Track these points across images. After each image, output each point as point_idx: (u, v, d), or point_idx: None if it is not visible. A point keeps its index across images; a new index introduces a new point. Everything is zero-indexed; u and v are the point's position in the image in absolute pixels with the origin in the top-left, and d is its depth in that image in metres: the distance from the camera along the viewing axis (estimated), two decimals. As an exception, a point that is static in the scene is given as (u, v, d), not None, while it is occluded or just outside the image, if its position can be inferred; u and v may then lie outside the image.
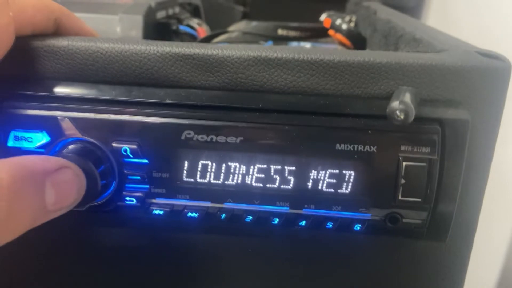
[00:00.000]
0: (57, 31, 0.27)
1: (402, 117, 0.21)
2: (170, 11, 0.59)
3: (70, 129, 0.24)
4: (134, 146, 0.24)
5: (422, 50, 0.28)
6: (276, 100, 0.25)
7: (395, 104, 0.21)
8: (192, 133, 0.24)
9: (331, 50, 0.25)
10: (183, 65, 0.25)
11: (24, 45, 0.25)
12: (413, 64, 0.24)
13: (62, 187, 0.21)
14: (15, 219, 0.19)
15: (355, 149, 0.24)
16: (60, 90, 0.25)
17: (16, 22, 0.24)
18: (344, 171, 0.24)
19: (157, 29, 0.52)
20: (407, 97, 0.21)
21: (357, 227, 0.25)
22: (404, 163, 0.24)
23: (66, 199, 0.21)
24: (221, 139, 0.24)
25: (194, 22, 0.60)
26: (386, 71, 0.24)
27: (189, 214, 0.25)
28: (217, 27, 0.73)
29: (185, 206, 0.25)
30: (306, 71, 0.24)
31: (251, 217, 0.25)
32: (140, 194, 0.25)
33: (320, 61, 0.24)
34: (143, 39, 0.26)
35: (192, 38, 0.58)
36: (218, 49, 0.25)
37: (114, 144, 0.24)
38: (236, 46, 0.25)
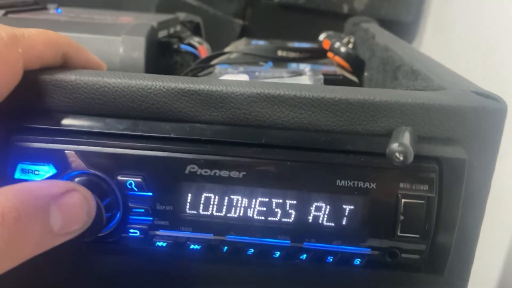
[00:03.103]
0: (65, 64, 0.28)
1: (401, 158, 0.21)
2: (172, 30, 0.60)
3: (76, 162, 0.25)
4: (139, 180, 0.25)
5: (420, 85, 0.29)
6: (278, 136, 0.25)
7: (394, 145, 0.21)
8: (196, 167, 0.25)
9: (332, 88, 0.26)
10: (188, 100, 0.25)
11: (33, 79, 0.25)
12: (411, 103, 0.24)
13: (69, 210, 0.21)
14: (17, 245, 0.19)
15: (355, 185, 0.25)
16: (67, 123, 0.26)
17: (24, 57, 0.25)
18: (344, 206, 0.25)
19: (159, 48, 0.53)
20: (406, 138, 0.22)
21: (357, 261, 0.25)
22: (403, 200, 0.24)
23: (74, 222, 0.22)
24: (224, 173, 0.25)
25: (195, 40, 0.61)
26: (385, 109, 0.25)
27: (192, 246, 0.26)
28: (216, 41, 0.74)
29: (188, 238, 0.26)
30: (307, 108, 0.25)
31: (252, 250, 0.26)
32: (144, 226, 0.26)
33: (322, 98, 0.25)
34: (154, 75, 0.26)
35: (193, 56, 0.59)
36: (222, 85, 0.25)
37: (120, 178, 0.25)
38: (240, 82, 0.26)
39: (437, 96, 0.25)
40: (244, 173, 0.25)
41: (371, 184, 0.24)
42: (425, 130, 0.25)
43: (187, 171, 0.25)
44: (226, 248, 0.26)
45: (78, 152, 0.25)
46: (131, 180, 0.25)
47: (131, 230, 0.26)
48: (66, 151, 0.25)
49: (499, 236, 0.64)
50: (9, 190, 0.19)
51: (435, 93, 0.25)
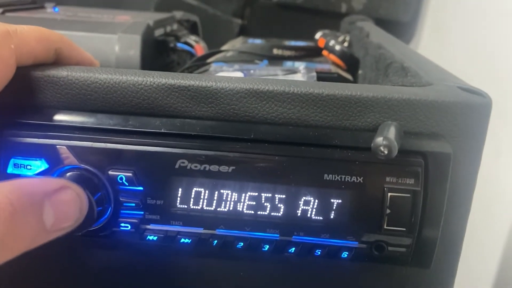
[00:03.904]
0: (58, 61, 0.28)
1: (385, 152, 0.22)
2: (168, 28, 0.60)
3: (68, 157, 0.25)
4: (129, 174, 0.25)
5: (408, 81, 0.29)
6: (267, 131, 0.26)
7: (379, 140, 0.22)
8: (186, 162, 0.25)
9: (321, 84, 0.26)
10: (178, 96, 0.26)
11: (25, 75, 0.26)
12: (398, 99, 0.25)
13: (62, 207, 0.22)
14: (11, 240, 0.19)
15: (343, 179, 0.25)
16: (58, 118, 0.26)
17: (17, 53, 0.25)
18: (332, 200, 0.25)
19: (155, 47, 0.53)
20: (391, 133, 0.22)
21: (345, 254, 0.26)
22: (389, 194, 0.25)
23: (67, 219, 0.22)
24: (214, 168, 0.25)
25: (192, 39, 0.61)
26: (372, 104, 0.25)
27: (182, 240, 0.26)
28: (215, 40, 0.74)
29: (178, 232, 0.26)
30: (296, 104, 0.25)
31: (242, 244, 0.26)
32: (135, 220, 0.26)
33: (310, 94, 0.25)
34: (144, 71, 0.27)
35: (190, 55, 0.59)
36: (212, 81, 0.26)
37: (111, 172, 0.25)
38: (230, 78, 0.26)
39: (423, 91, 0.25)
40: (234, 167, 0.25)
41: (358, 178, 0.25)
42: (411, 125, 0.25)
43: (177, 166, 0.25)
44: (216, 241, 0.26)
45: (69, 147, 0.25)
46: (122, 175, 0.25)
47: (122, 224, 0.26)
48: (57, 146, 0.25)
49: (497, 233, 0.64)
50: (5, 186, 0.20)
51: (421, 89, 0.26)
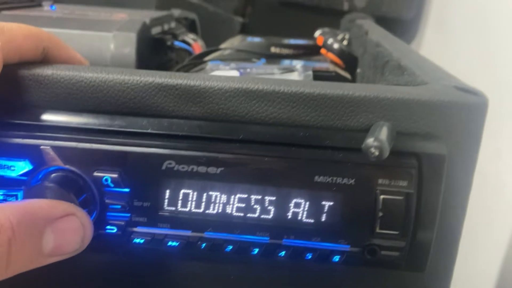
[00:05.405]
0: (46, 60, 0.28)
1: (376, 153, 0.21)
2: (166, 26, 0.59)
3: (52, 158, 0.25)
4: (115, 176, 0.25)
5: (404, 80, 0.29)
6: (257, 131, 0.25)
7: (370, 141, 0.21)
8: (173, 163, 0.25)
9: (312, 83, 0.25)
10: (165, 95, 0.25)
11: (10, 73, 0.25)
12: (391, 98, 0.24)
13: (64, 235, 0.22)
14: (5, 263, 0.19)
15: (334, 181, 0.24)
16: (43, 118, 0.25)
17: (4, 51, 0.24)
18: (323, 203, 0.25)
19: (152, 45, 0.53)
20: (383, 134, 0.22)
21: (336, 258, 0.25)
22: (382, 196, 0.24)
23: (66, 246, 0.22)
24: (202, 169, 0.25)
25: (190, 37, 0.60)
26: (364, 104, 0.24)
27: (170, 243, 0.26)
28: (216, 39, 0.73)
29: (166, 235, 0.26)
30: (286, 103, 0.25)
31: (231, 247, 0.26)
32: (121, 223, 0.26)
33: (301, 93, 0.24)
34: (131, 69, 0.26)
35: (187, 53, 0.59)
36: (201, 80, 0.25)
37: (96, 173, 0.25)
38: (219, 77, 0.26)
39: (417, 91, 0.24)
40: (222, 168, 0.25)
41: (350, 180, 0.24)
42: (404, 125, 0.24)
43: (164, 167, 0.25)
44: (204, 244, 0.26)
45: (54, 148, 0.25)
46: (108, 176, 0.25)
47: (108, 227, 0.26)
48: (42, 147, 0.25)
49: (498, 235, 0.63)
50: (9, 208, 0.20)
51: (416, 88, 0.25)
